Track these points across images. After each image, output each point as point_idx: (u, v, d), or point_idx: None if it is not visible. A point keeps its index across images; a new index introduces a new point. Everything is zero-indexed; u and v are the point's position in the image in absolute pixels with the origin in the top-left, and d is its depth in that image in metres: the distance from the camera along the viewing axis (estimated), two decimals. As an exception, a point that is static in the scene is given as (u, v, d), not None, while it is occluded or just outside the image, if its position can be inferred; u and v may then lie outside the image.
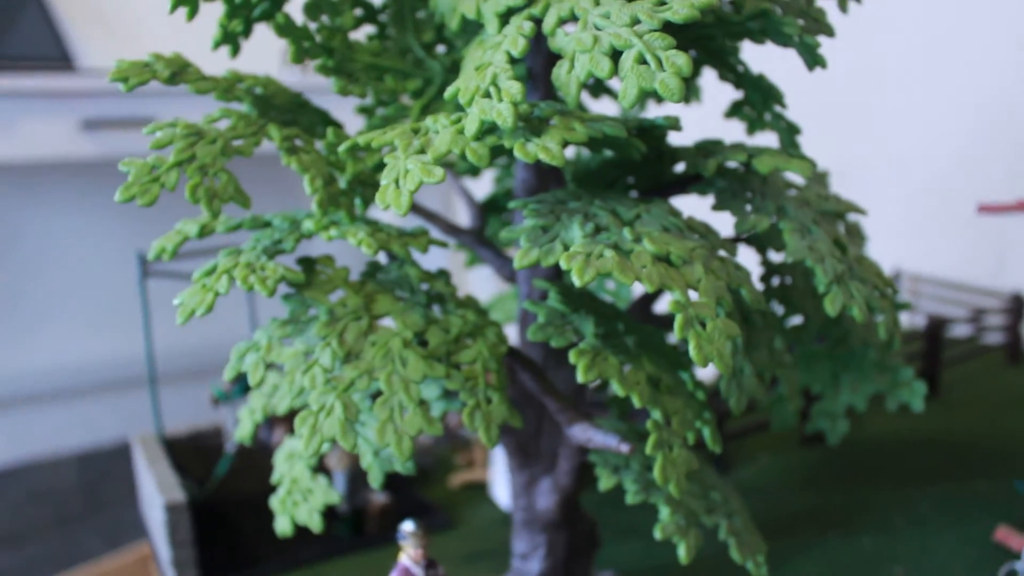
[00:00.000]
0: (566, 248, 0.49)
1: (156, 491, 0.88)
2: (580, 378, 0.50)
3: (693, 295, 0.49)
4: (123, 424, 2.49)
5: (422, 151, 0.48)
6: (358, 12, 0.67)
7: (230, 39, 0.63)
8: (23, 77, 2.14)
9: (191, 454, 1.05)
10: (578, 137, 0.47)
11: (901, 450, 1.13)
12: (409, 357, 0.52)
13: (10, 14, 2.29)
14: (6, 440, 2.53)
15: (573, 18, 0.48)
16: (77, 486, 2.52)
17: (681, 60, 0.44)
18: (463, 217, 0.71)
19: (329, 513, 0.98)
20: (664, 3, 0.46)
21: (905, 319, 1.66)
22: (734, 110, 0.68)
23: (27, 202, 2.44)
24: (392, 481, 1.06)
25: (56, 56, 2.31)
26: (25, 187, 2.44)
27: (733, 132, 0.76)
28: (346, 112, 0.73)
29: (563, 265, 0.46)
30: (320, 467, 1.00)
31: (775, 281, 0.70)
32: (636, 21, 0.46)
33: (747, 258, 0.72)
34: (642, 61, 0.45)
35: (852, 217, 0.78)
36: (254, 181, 0.58)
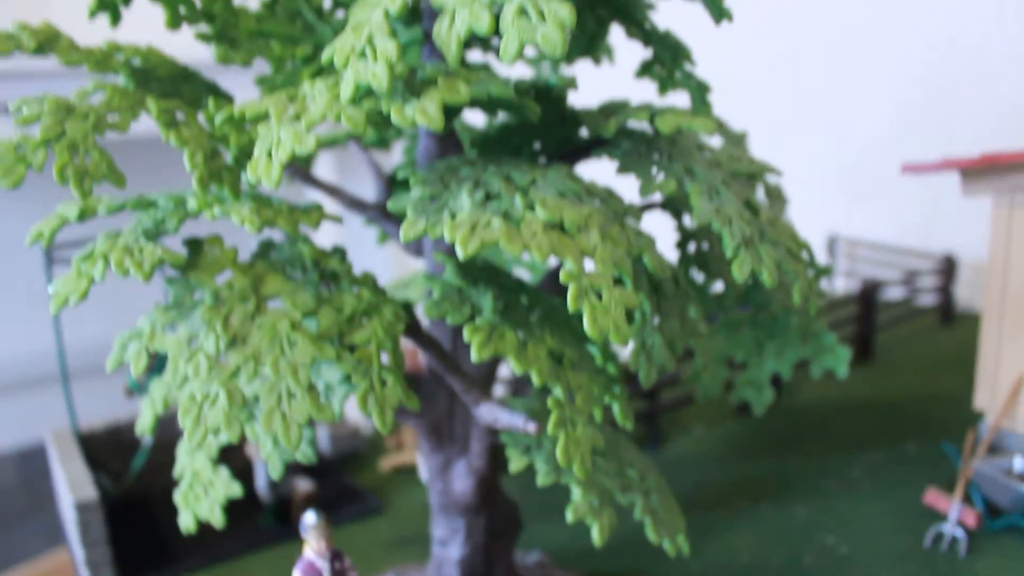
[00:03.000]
0: (453, 217, 0.46)
1: (67, 490, 0.84)
2: (473, 357, 0.47)
3: (590, 265, 0.46)
4: (57, 419, 2.43)
5: (297, 118, 0.45)
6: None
7: (108, 5, 0.59)
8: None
9: (110, 449, 1.01)
10: (460, 98, 0.44)
11: (834, 415, 1.12)
12: (298, 339, 0.50)
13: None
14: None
15: (454, -27, 0.45)
16: (17, 483, 2.45)
17: (564, 12, 0.41)
18: (371, 191, 0.69)
19: (254, 503, 0.95)
20: (548, -46, 0.43)
21: (842, 283, 1.67)
22: (644, 69, 0.66)
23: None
24: (319, 467, 1.04)
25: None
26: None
27: (648, 92, 0.74)
28: (247, 86, 0.69)
29: (446, 236, 0.44)
30: (240, 455, 0.97)
31: (691, 247, 0.68)
32: (518, -27, 0.43)
33: (663, 223, 0.70)
34: (523, 13, 0.42)
35: (773, 180, 0.76)
36: (141, 169, 0.55)
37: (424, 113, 0.43)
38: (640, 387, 0.98)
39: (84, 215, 0.56)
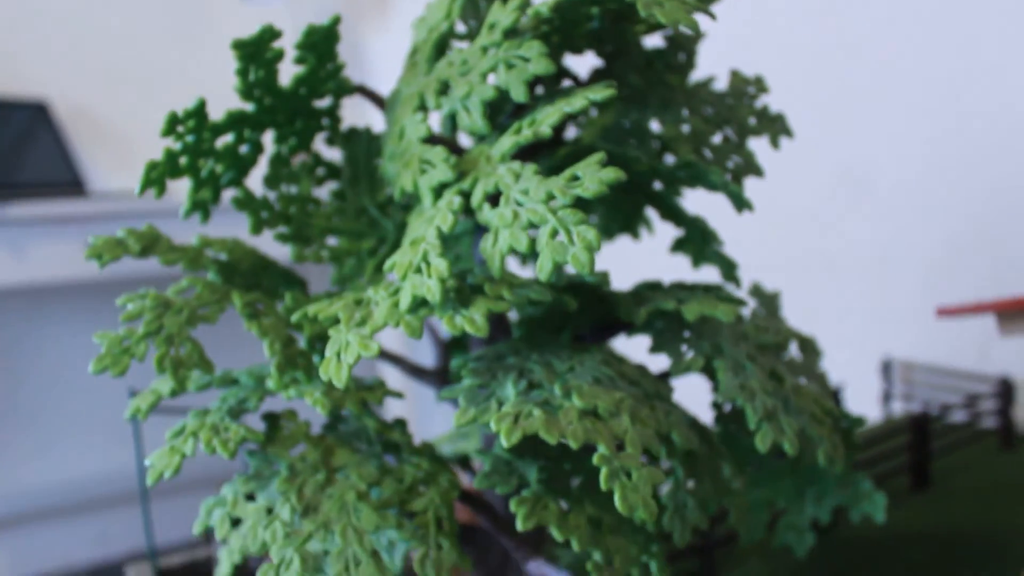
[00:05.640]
0: (500, 406, 0.52)
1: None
2: (519, 526, 0.53)
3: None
4: (139, 535, 2.50)
5: (363, 323, 0.52)
6: (320, 171, 0.72)
7: (200, 206, 0.68)
8: (36, 204, 2.21)
9: (188, 582, 1.07)
10: (503, 307, 0.51)
11: (891, 548, 1.13)
12: (363, 509, 0.56)
13: (25, 142, 2.38)
14: (20, 556, 2.56)
15: (498, 192, 0.53)
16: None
17: (591, 235, 0.48)
18: (429, 355, 0.76)
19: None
20: (577, 178, 0.50)
21: (900, 406, 1.68)
22: (677, 246, 0.72)
23: (37, 323, 2.50)
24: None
25: (68, 181, 2.38)
26: (35, 309, 2.50)
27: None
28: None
29: (493, 427, 0.50)
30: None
31: (727, 406, 0.72)
32: (551, 197, 0.50)
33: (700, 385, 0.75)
34: (556, 235, 0.49)
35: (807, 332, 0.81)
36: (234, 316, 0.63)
37: (472, 322, 0.50)
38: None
39: (176, 392, 0.64)
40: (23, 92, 2.40)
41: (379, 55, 2.82)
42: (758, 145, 0.71)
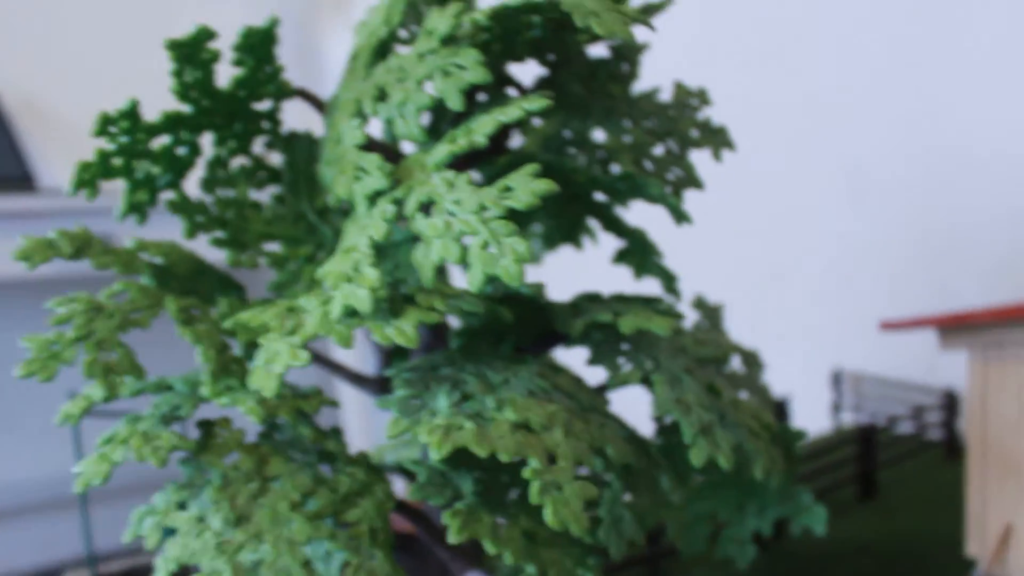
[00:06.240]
0: (432, 417, 0.52)
1: (86, 634, 0.89)
2: (451, 539, 0.52)
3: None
4: (80, 540, 2.46)
5: (293, 332, 0.51)
6: (261, 175, 0.71)
7: (136, 209, 0.67)
8: (-17, 199, 2.17)
9: (128, 590, 1.06)
10: (435, 317, 0.51)
11: (834, 558, 1.14)
12: (295, 519, 0.55)
13: (-27, 137, 2.33)
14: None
15: (432, 202, 0.52)
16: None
17: (521, 247, 0.48)
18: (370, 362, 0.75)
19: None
20: (510, 189, 0.50)
21: (850, 417, 1.70)
22: (620, 258, 0.72)
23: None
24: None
25: (17, 176, 2.34)
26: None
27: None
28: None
29: (423, 438, 0.49)
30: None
31: (668, 419, 0.72)
32: (483, 208, 0.49)
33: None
34: (487, 246, 0.48)
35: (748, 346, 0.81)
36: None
37: (402, 333, 0.49)
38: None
39: (109, 398, 0.63)
40: (-31, 85, 2.36)
41: (337, 53, 2.81)
42: (705, 156, 0.71)
